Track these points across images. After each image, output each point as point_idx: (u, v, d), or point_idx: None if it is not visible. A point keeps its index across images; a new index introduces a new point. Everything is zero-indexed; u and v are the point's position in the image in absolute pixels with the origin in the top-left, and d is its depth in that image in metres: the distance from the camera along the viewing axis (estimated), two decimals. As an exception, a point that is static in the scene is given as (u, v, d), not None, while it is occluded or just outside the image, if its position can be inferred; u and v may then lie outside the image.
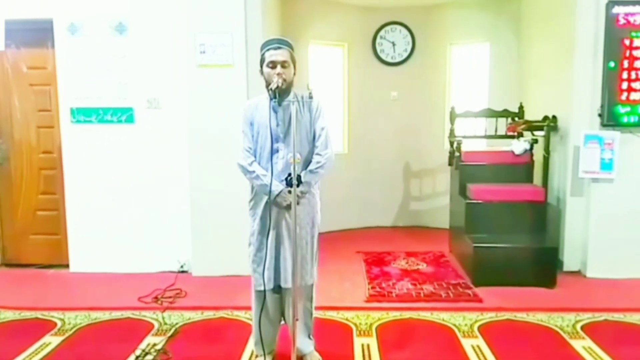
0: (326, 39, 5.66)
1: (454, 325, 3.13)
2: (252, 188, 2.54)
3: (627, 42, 3.81)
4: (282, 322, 2.67)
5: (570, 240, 4.14)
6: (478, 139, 5.06)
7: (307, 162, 2.49)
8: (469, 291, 3.71)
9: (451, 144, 4.73)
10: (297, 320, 2.38)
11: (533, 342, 2.93)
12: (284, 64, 2.40)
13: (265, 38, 2.81)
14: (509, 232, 4.03)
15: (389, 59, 5.86)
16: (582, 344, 2.87)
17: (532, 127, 4.36)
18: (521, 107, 4.80)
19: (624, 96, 3.85)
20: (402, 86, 5.86)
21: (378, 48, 5.84)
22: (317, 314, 2.86)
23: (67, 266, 4.30)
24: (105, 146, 4.18)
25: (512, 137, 4.66)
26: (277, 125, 2.46)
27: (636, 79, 3.83)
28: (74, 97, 4.13)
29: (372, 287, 3.79)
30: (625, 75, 3.83)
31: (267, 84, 2.41)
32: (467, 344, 2.88)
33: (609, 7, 3.81)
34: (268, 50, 2.43)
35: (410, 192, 6.05)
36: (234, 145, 2.60)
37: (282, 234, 2.48)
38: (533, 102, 4.81)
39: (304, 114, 2.49)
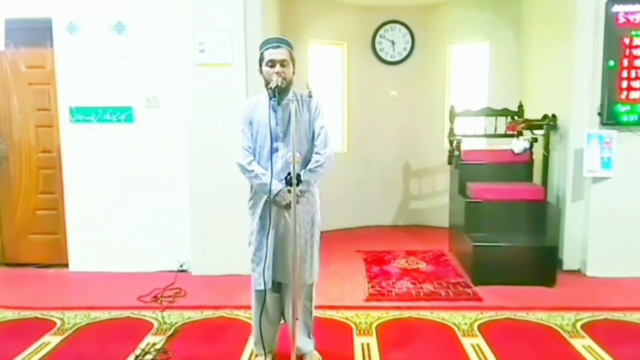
0: (326, 37, 5.66)
1: (454, 324, 3.13)
2: (252, 187, 2.54)
3: (626, 40, 3.81)
4: (282, 321, 2.67)
5: (570, 239, 4.14)
6: (478, 137, 5.06)
7: (306, 161, 2.49)
8: (469, 290, 3.70)
9: (451, 142, 4.73)
10: (296, 319, 2.37)
11: (533, 341, 2.92)
12: (283, 63, 2.40)
13: (264, 37, 2.81)
14: (508, 231, 4.03)
15: (388, 58, 5.86)
16: (582, 343, 2.87)
17: (531, 126, 4.35)
18: (521, 106, 4.80)
19: (623, 95, 3.84)
20: (402, 85, 5.86)
21: (377, 47, 5.84)
22: (316, 313, 2.85)
23: (66, 265, 4.30)
24: (105, 145, 4.17)
25: (512, 136, 4.66)
26: (277, 124, 2.46)
27: (636, 78, 3.83)
28: (73, 96, 4.13)
29: (372, 286, 3.79)
30: (624, 74, 3.83)
31: (267, 83, 2.41)
32: (466, 342, 2.88)
33: (608, 5, 3.81)
34: (267, 49, 2.42)
35: (409, 191, 6.05)
36: (233, 145, 2.59)
37: (282, 233, 2.48)
38: (533, 100, 4.81)
39: (303, 113, 2.49)
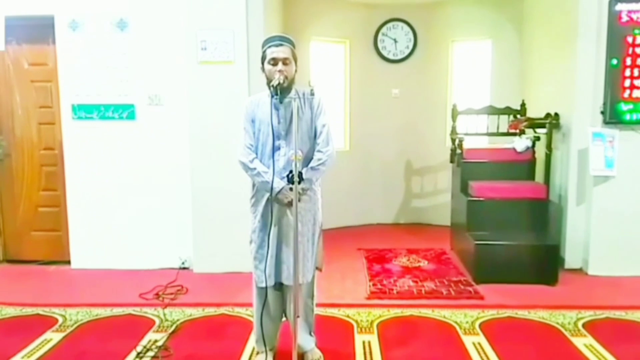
0: (328, 35, 5.65)
1: (455, 322, 3.13)
2: (253, 185, 2.54)
3: (629, 39, 3.80)
4: (284, 318, 2.67)
5: (572, 238, 4.14)
6: (480, 136, 5.04)
7: (308, 159, 2.49)
8: (470, 288, 3.70)
9: (453, 141, 4.73)
10: (298, 317, 2.38)
11: (534, 339, 2.92)
12: (285, 61, 2.39)
13: (266, 35, 2.80)
14: (510, 229, 4.03)
15: (390, 56, 5.85)
16: (583, 342, 2.87)
17: (534, 124, 4.34)
18: (523, 105, 4.79)
19: (626, 94, 3.83)
20: (404, 83, 5.85)
21: (380, 45, 5.83)
22: (318, 310, 2.86)
23: (68, 262, 4.31)
24: (107, 143, 4.18)
25: (514, 134, 4.65)
26: (279, 122, 2.46)
27: (639, 77, 3.81)
28: (75, 93, 4.13)
29: (373, 284, 3.79)
30: (627, 72, 3.82)
31: (269, 81, 2.40)
32: (468, 341, 2.88)
33: (611, 4, 3.80)
34: (269, 47, 2.41)
35: (411, 189, 6.05)
36: (235, 142, 2.59)
37: (284, 231, 2.48)
38: (535, 99, 4.80)
39: (305, 111, 2.48)
